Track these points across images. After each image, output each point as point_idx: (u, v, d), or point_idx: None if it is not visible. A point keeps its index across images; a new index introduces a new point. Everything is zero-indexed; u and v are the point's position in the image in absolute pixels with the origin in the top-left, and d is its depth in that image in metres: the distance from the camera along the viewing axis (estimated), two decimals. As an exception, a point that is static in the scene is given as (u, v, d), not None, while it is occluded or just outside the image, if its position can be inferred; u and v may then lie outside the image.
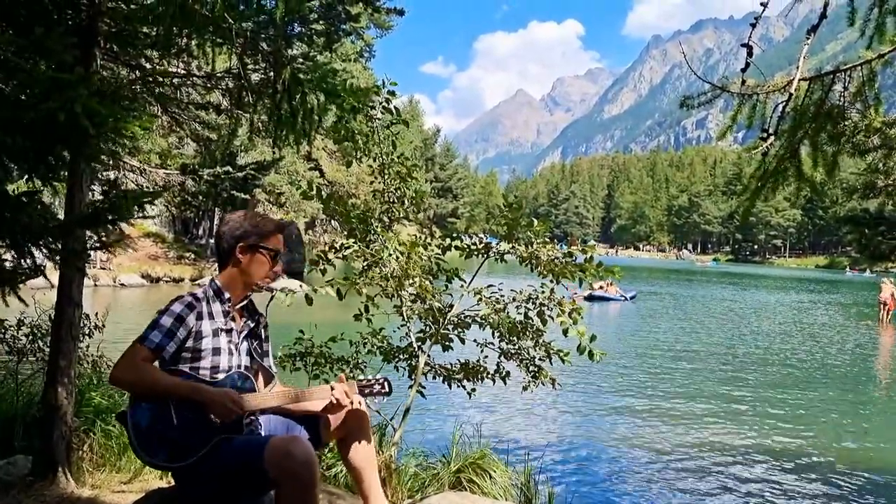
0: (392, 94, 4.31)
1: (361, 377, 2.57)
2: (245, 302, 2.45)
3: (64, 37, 1.96)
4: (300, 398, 2.41)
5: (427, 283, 4.08)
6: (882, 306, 21.97)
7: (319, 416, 2.47)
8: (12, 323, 4.45)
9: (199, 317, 2.28)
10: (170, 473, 3.84)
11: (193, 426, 2.14)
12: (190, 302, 2.29)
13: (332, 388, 2.41)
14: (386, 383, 2.56)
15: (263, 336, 2.53)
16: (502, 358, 4.34)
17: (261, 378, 2.45)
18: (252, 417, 2.34)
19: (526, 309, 4.12)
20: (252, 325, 2.46)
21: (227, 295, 2.37)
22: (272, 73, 3.28)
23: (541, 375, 4.28)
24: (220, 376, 2.27)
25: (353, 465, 2.51)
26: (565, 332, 3.81)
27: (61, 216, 3.03)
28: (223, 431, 2.17)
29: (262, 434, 2.36)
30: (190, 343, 2.25)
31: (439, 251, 4.27)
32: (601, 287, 24.32)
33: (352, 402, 2.45)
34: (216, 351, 2.29)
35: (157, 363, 2.22)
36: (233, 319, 2.39)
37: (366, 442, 2.51)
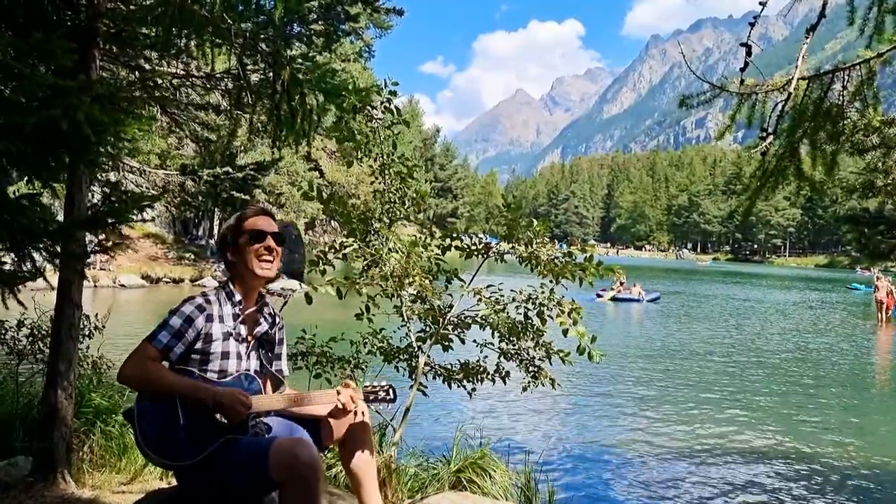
0: (393, 93, 4.31)
1: (367, 383, 2.56)
2: (258, 306, 2.45)
3: (63, 40, 1.95)
4: (306, 401, 2.40)
5: (427, 282, 4.08)
6: (879, 305, 21.86)
7: (322, 419, 2.47)
8: (12, 324, 4.45)
9: (209, 319, 2.28)
10: (172, 473, 3.85)
11: (199, 426, 2.15)
12: (200, 304, 2.29)
13: (339, 393, 2.40)
14: (391, 390, 2.56)
15: (278, 339, 2.52)
16: (502, 358, 4.34)
17: (269, 383, 2.46)
18: (257, 419, 2.35)
19: (525, 309, 4.12)
20: (266, 328, 2.45)
21: (238, 297, 2.37)
22: (271, 74, 3.27)
23: (541, 376, 4.28)
24: (228, 380, 2.27)
25: (353, 471, 2.51)
26: (565, 333, 3.81)
27: (60, 217, 3.03)
28: (228, 432, 2.18)
29: (267, 436, 2.36)
30: (199, 345, 2.25)
31: (439, 251, 4.27)
32: (621, 286, 24.65)
33: (356, 409, 2.45)
34: (225, 355, 2.29)
35: (165, 363, 2.23)
36: (243, 323, 2.38)
37: (367, 450, 2.51)
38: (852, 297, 34.95)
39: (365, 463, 2.50)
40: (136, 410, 2.16)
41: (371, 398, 2.52)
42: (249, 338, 2.40)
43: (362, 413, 2.49)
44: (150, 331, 2.24)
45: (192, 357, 2.25)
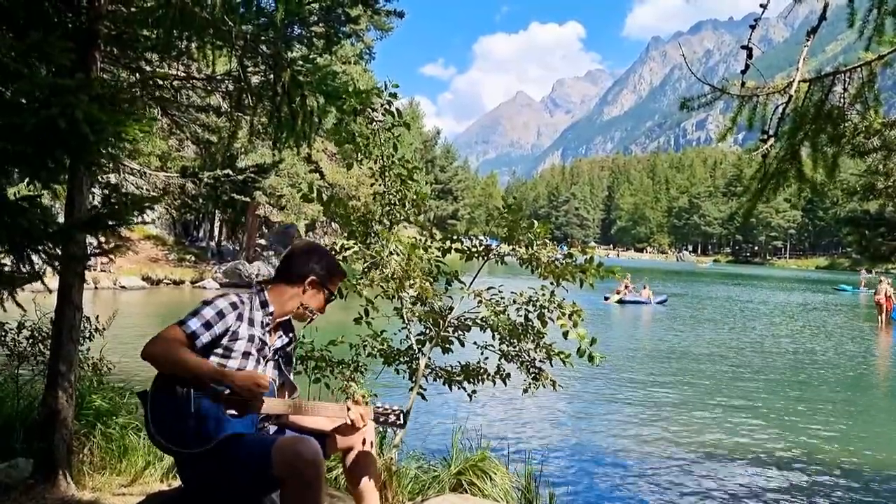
0: (394, 96, 4.32)
1: (379, 404, 2.54)
2: (285, 319, 2.51)
3: (61, 40, 1.95)
4: (315, 410, 2.43)
5: (427, 284, 4.08)
6: (879, 308, 21.79)
7: (327, 434, 2.48)
8: (13, 326, 4.45)
9: (240, 318, 2.34)
10: (173, 475, 3.85)
11: (209, 417, 2.17)
12: (235, 302, 2.36)
13: (349, 409, 2.40)
14: (402, 415, 2.53)
15: (291, 351, 2.59)
16: (503, 360, 4.34)
17: (285, 392, 2.52)
18: (265, 423, 2.37)
19: (526, 311, 4.12)
20: (285, 342, 2.52)
21: (271, 308, 2.43)
22: (272, 76, 3.28)
23: (541, 377, 4.27)
24: None
25: (355, 485, 2.53)
26: (565, 335, 3.80)
27: (61, 219, 3.03)
28: (237, 427, 2.20)
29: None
30: (225, 340, 2.30)
31: (439, 253, 4.27)
32: (626, 289, 24.61)
33: (366, 438, 2.48)
34: (246, 355, 2.33)
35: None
36: (269, 333, 2.44)
37: (371, 478, 2.52)
38: (842, 297, 35.17)
39: (368, 488, 2.52)
40: (150, 394, 2.20)
41: (381, 420, 2.50)
42: (270, 347, 2.44)
43: (370, 443, 2.52)
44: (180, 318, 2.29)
45: (214, 350, 2.29)
